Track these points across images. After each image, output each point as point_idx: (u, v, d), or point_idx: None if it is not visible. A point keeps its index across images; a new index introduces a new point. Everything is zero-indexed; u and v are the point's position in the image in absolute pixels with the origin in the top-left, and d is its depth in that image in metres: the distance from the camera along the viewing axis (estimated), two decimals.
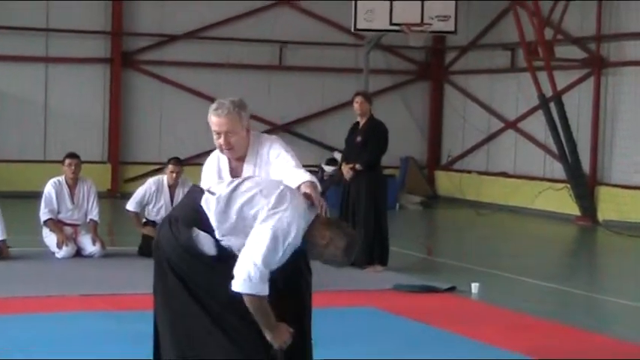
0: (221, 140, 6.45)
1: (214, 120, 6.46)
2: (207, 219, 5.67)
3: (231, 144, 6.45)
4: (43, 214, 13.33)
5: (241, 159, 6.57)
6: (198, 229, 5.68)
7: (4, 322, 9.38)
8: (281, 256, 5.53)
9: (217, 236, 5.69)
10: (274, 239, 5.48)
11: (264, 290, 5.49)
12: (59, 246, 13.16)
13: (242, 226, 5.63)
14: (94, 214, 13.58)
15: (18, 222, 14.45)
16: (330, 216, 5.89)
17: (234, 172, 6.55)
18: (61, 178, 13.56)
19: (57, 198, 13.40)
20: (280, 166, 6.37)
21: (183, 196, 6.16)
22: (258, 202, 5.63)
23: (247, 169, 6.52)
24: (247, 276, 5.45)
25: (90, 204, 13.61)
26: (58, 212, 13.41)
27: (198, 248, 5.70)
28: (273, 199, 5.61)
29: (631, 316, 11.04)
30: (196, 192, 5.92)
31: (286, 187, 5.80)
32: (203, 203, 5.72)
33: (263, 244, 5.48)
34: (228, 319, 5.64)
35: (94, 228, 13.52)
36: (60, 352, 8.17)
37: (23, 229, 14.35)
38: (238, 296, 5.50)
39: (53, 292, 10.91)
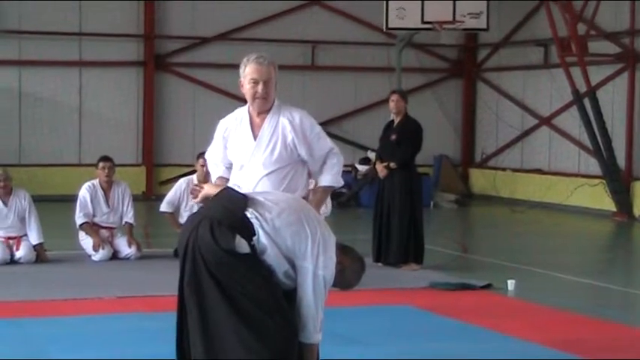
0: (259, 87, 6.73)
1: (254, 68, 6.77)
2: (252, 230, 5.70)
3: (268, 92, 6.75)
4: (79, 218, 13.41)
5: (264, 114, 6.83)
6: (241, 236, 5.70)
7: (42, 324, 9.46)
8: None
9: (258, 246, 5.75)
10: (325, 287, 5.75)
11: (320, 336, 5.81)
12: (95, 249, 13.24)
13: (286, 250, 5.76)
14: (129, 217, 13.65)
15: (54, 226, 14.55)
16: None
17: (256, 127, 6.84)
18: (96, 182, 13.63)
19: (92, 202, 13.48)
20: (320, 152, 6.87)
21: (219, 195, 6.08)
22: (304, 243, 5.71)
23: (269, 125, 6.81)
24: (315, 327, 5.74)
25: (125, 207, 13.68)
26: (94, 216, 13.49)
27: (238, 253, 5.71)
28: (317, 246, 5.72)
29: None
30: (237, 198, 5.93)
31: (323, 224, 5.89)
32: (250, 216, 5.73)
33: (320, 296, 5.74)
34: (261, 319, 5.65)
35: (129, 230, 13.59)
36: (97, 353, 8.25)
37: (60, 232, 14.46)
38: (273, 298, 5.66)
39: (90, 294, 10.97)
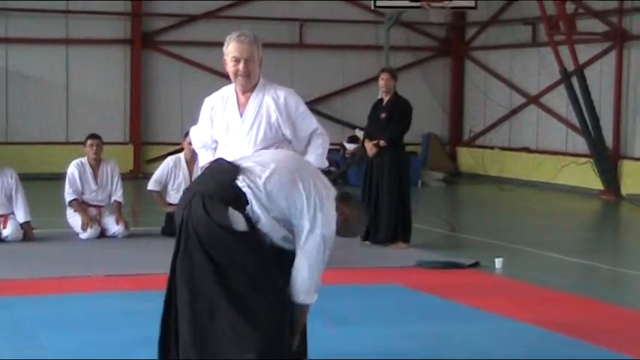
0: (240, 66, 6.72)
1: (236, 46, 6.76)
2: (244, 200, 5.72)
3: (249, 70, 6.73)
4: (68, 195, 13.37)
5: (248, 92, 6.82)
6: (234, 208, 5.70)
7: (29, 302, 9.43)
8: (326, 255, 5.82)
9: (252, 216, 5.76)
10: (324, 244, 5.75)
11: (315, 297, 5.85)
12: (84, 228, 13.21)
13: (281, 214, 5.78)
14: (117, 195, 13.62)
15: (41, 204, 14.52)
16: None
17: (242, 105, 6.82)
18: (84, 160, 13.59)
19: (80, 179, 13.44)
20: (304, 132, 6.84)
21: (209, 168, 6.13)
22: (299, 202, 5.73)
23: (253, 103, 6.80)
24: (309, 289, 5.76)
25: (114, 185, 13.65)
26: (82, 193, 13.46)
27: (232, 226, 5.71)
28: (312, 203, 5.74)
29: None
30: (226, 168, 5.94)
31: (318, 179, 5.93)
32: (241, 184, 5.76)
33: (318, 256, 5.74)
34: (253, 299, 5.65)
35: (118, 209, 13.56)
36: (84, 332, 8.23)
37: (47, 210, 14.42)
38: (267, 275, 5.68)
39: (77, 272, 10.98)
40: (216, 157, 6.97)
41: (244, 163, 5.90)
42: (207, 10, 23.20)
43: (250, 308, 5.60)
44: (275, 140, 6.66)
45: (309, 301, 5.82)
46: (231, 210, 5.69)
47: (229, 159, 6.75)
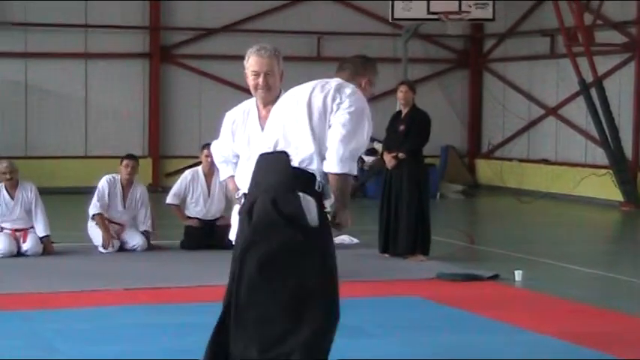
0: (260, 79, 6.84)
1: (256, 60, 6.87)
2: (308, 176, 5.76)
3: (269, 85, 6.85)
4: (93, 207, 13.30)
5: (269, 105, 6.78)
6: (304, 191, 5.73)
7: (50, 316, 9.45)
8: (368, 130, 5.90)
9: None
10: (356, 115, 5.82)
11: (354, 169, 5.83)
12: (104, 245, 13.19)
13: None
14: (147, 225, 13.61)
15: (61, 217, 14.55)
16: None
17: (263, 119, 6.86)
18: (117, 176, 13.60)
19: (109, 195, 13.46)
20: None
21: (261, 168, 5.97)
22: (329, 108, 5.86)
23: None
24: (338, 156, 5.73)
25: (141, 213, 13.61)
26: (108, 207, 13.46)
27: (303, 217, 5.72)
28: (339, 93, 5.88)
29: None
30: (277, 159, 5.86)
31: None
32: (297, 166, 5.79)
33: (347, 125, 5.77)
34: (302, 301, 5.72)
35: (146, 238, 13.56)
36: (105, 347, 8.25)
37: (66, 224, 14.47)
38: (321, 283, 5.75)
39: (97, 286, 10.98)
40: (238, 171, 7.03)
41: (282, 145, 5.87)
42: (226, 23, 23.26)
43: (298, 310, 5.70)
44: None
45: (345, 169, 5.77)
46: (302, 195, 5.71)
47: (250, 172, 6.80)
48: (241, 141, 6.98)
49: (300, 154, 5.77)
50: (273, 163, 5.82)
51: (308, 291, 5.69)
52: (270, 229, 5.71)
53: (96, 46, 22.60)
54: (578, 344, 8.47)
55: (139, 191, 13.69)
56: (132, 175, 13.58)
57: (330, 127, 5.78)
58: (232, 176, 7.25)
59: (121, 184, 13.54)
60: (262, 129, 6.79)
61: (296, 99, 5.94)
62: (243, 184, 6.88)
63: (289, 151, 5.79)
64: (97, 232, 13.36)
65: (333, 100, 5.80)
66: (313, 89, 5.91)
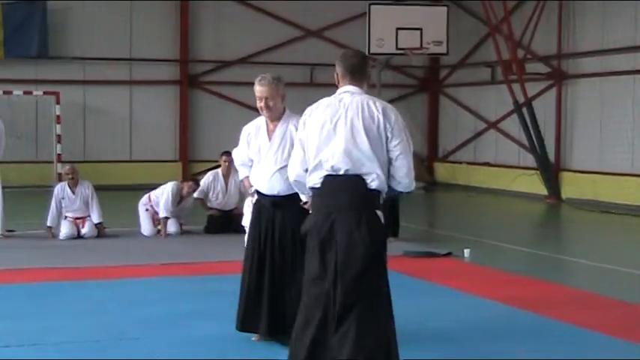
0: (262, 103, 6.82)
1: (258, 88, 6.86)
2: (378, 191, 5.30)
3: (270, 107, 6.82)
4: (165, 211, 13.18)
5: (276, 121, 6.89)
6: (378, 208, 5.33)
7: (103, 285, 9.47)
8: None
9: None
10: (406, 139, 5.42)
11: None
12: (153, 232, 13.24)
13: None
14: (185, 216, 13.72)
15: (111, 208, 14.51)
16: None
17: (270, 132, 6.91)
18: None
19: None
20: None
21: (330, 190, 5.28)
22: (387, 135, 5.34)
23: (280, 130, 6.87)
24: (411, 179, 5.38)
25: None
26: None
27: (383, 232, 5.39)
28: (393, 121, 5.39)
29: (587, 271, 11.03)
30: (353, 180, 5.27)
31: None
32: (372, 183, 5.26)
33: (407, 151, 5.36)
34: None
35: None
36: (146, 309, 8.26)
37: (115, 213, 14.42)
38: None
39: (140, 261, 11.00)
40: (252, 173, 7.03)
41: (349, 170, 5.25)
42: (240, 56, 23.22)
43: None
44: None
45: (410, 189, 5.43)
46: (378, 213, 5.29)
47: (261, 174, 6.82)
48: (253, 149, 6.96)
49: (370, 178, 5.21)
50: (351, 186, 5.23)
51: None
52: (357, 247, 5.17)
53: (138, 75, 22.57)
54: (512, 306, 8.50)
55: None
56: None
57: (389, 151, 5.28)
58: (248, 176, 7.21)
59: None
60: (269, 140, 6.86)
61: (344, 122, 5.29)
62: (256, 182, 7.01)
63: (361, 173, 5.22)
64: (146, 222, 13.35)
65: (385, 128, 5.28)
66: (361, 116, 5.30)
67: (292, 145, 6.63)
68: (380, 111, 5.34)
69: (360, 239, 5.17)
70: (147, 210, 13.43)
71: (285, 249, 6.79)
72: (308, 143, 5.40)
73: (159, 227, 13.26)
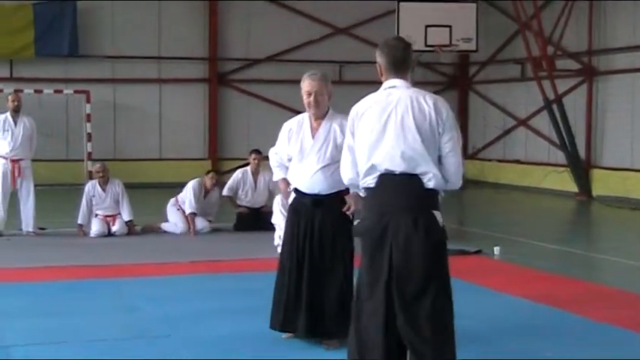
0: (311, 99, 6.71)
1: (308, 82, 6.76)
2: (436, 191, 5.07)
3: (318, 103, 6.72)
4: (190, 207, 13.30)
5: (320, 119, 6.79)
6: (436, 208, 5.07)
7: (133, 282, 9.51)
8: None
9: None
10: (457, 135, 5.10)
11: None
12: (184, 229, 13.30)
13: None
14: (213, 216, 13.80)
15: (141, 206, 14.58)
16: None
17: (314, 130, 6.79)
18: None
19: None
20: None
21: (387, 191, 5.01)
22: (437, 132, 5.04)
23: (324, 128, 6.78)
24: (459, 178, 5.16)
25: (215, 207, 13.84)
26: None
27: (444, 234, 5.10)
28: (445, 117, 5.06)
29: (617, 268, 10.96)
30: (411, 180, 5.00)
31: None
32: (429, 183, 5.00)
33: (458, 149, 5.08)
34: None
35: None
36: (175, 305, 8.29)
37: (146, 211, 14.49)
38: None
39: (170, 259, 11.04)
40: (291, 169, 6.90)
41: (406, 169, 4.98)
42: (268, 54, 23.25)
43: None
44: (338, 158, 6.63)
45: (460, 185, 5.18)
46: (436, 213, 5.01)
47: (302, 172, 6.68)
48: (295, 146, 6.82)
49: (426, 177, 4.95)
50: (407, 186, 4.96)
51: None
52: (413, 250, 4.91)
53: (167, 73, 22.66)
54: (543, 303, 8.46)
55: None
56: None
57: (440, 147, 5.01)
58: (284, 178, 7.07)
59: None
60: (313, 137, 6.77)
61: (395, 120, 5.03)
62: (295, 180, 6.88)
63: (418, 173, 4.96)
64: (174, 218, 13.40)
65: (437, 124, 4.99)
66: (412, 112, 5.03)
67: (335, 145, 6.62)
68: (431, 106, 5.05)
69: (417, 243, 4.91)
70: (178, 209, 13.49)
71: (325, 248, 6.71)
72: (358, 146, 5.12)
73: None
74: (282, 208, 10.45)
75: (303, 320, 6.69)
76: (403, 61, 5.26)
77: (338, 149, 6.53)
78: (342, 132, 6.59)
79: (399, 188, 4.97)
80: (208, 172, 13.95)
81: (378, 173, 5.02)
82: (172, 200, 13.62)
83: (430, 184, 5.00)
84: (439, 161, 5.05)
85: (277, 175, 7.13)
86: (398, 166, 4.97)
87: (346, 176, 5.29)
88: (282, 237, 7.13)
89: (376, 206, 5.02)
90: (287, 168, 7.03)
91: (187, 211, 13.28)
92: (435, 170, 5.00)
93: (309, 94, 6.73)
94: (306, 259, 6.71)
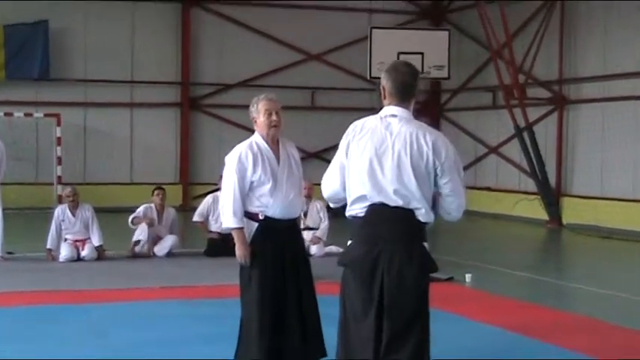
0: (274, 117, 6.50)
1: (269, 104, 6.56)
2: (424, 225, 5.04)
3: (280, 122, 6.54)
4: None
5: (276, 143, 6.57)
6: (424, 239, 5.08)
7: (103, 308, 9.44)
8: None
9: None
10: (458, 176, 5.10)
11: None
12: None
13: None
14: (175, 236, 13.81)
15: (111, 231, 14.47)
16: None
17: (276, 153, 6.53)
18: (152, 205, 13.75)
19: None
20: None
21: (379, 221, 4.94)
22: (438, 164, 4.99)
23: (283, 151, 6.55)
24: (459, 214, 5.21)
25: (173, 229, 13.91)
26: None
27: (433, 266, 5.15)
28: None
29: (588, 297, 11.00)
30: (405, 214, 4.95)
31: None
32: (421, 217, 4.98)
33: (459, 189, 5.09)
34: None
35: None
36: (146, 331, 8.23)
37: (116, 236, 14.38)
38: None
39: (140, 284, 10.98)
40: (257, 200, 6.50)
41: (403, 204, 4.89)
42: (240, 80, 23.28)
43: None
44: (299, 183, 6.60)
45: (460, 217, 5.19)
46: (426, 245, 5.01)
47: (276, 198, 6.42)
48: (265, 172, 6.47)
49: (418, 212, 4.90)
50: (400, 219, 4.88)
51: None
52: (406, 282, 4.88)
53: (139, 97, 22.62)
54: (514, 332, 8.47)
55: (171, 213, 13.76)
56: (163, 202, 13.66)
57: (439, 187, 5.00)
58: (240, 229, 6.48)
59: (156, 209, 13.62)
60: (278, 162, 6.50)
61: (391, 156, 4.90)
62: (267, 207, 6.46)
63: (412, 207, 4.90)
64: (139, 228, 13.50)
65: (434, 166, 4.92)
66: (409, 151, 4.90)
67: (297, 169, 6.57)
68: (430, 146, 4.91)
69: (411, 275, 4.87)
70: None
71: (302, 270, 6.58)
72: (350, 171, 4.99)
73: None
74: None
75: (293, 349, 6.45)
76: (410, 89, 5.05)
77: (299, 170, 6.59)
78: (296, 157, 6.60)
79: (391, 220, 4.87)
80: (153, 191, 13.87)
81: (369, 203, 4.91)
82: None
83: (421, 218, 4.96)
84: (441, 196, 5.04)
85: (232, 223, 6.47)
86: (392, 201, 4.88)
87: (330, 189, 5.14)
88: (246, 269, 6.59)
89: (366, 236, 4.90)
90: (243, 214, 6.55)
91: (141, 237, 13.45)
92: (427, 206, 4.96)
93: (271, 114, 6.55)
94: (287, 285, 6.49)
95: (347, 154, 5.04)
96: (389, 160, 4.88)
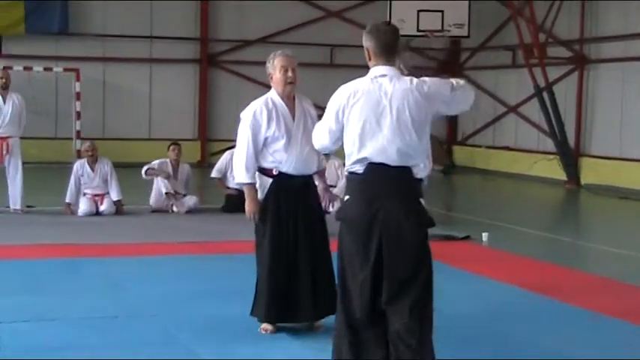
0: (290, 73, 6.54)
1: (286, 60, 6.60)
2: (420, 181, 5.13)
3: (296, 78, 6.59)
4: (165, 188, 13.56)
5: (291, 98, 6.62)
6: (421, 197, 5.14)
7: (120, 262, 9.51)
8: None
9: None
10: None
11: None
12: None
13: None
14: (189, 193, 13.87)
15: (130, 186, 14.50)
16: None
17: (291, 110, 6.59)
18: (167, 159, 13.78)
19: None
20: None
21: (376, 180, 4.95)
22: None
23: (299, 108, 6.61)
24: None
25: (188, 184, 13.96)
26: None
27: (431, 222, 5.21)
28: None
29: (606, 257, 10.99)
30: (403, 172, 5.02)
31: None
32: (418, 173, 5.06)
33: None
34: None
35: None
36: (161, 285, 8.29)
37: (134, 191, 14.44)
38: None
39: (157, 239, 11.04)
40: (270, 155, 6.58)
41: (402, 162, 4.96)
42: (259, 36, 23.21)
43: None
44: None
45: None
46: (422, 201, 5.08)
47: (289, 153, 6.48)
48: (278, 128, 6.53)
49: (417, 168, 5.01)
50: (399, 177, 4.95)
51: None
52: (405, 238, 4.95)
53: (158, 53, 22.59)
54: (529, 290, 8.49)
55: (186, 169, 13.81)
56: (178, 157, 13.68)
57: (439, 106, 5.18)
58: (251, 185, 6.58)
59: (172, 164, 13.67)
60: (293, 118, 6.58)
61: (390, 116, 4.95)
62: (281, 163, 6.55)
63: (410, 165, 4.98)
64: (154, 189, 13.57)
65: (428, 105, 5.06)
66: (407, 107, 4.97)
67: (312, 124, 6.49)
68: (423, 93, 5.05)
69: (409, 231, 4.94)
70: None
71: (316, 226, 6.62)
72: (348, 135, 5.01)
73: (170, 203, 13.42)
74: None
75: (307, 307, 6.52)
76: (393, 46, 5.14)
77: (314, 126, 6.53)
78: (312, 113, 6.62)
79: (390, 178, 4.93)
80: (169, 147, 13.93)
81: (368, 162, 4.95)
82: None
83: (419, 175, 5.04)
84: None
85: (244, 178, 6.56)
86: (392, 161, 4.93)
87: (321, 143, 5.25)
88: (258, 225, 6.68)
89: (364, 192, 4.95)
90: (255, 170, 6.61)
91: (163, 192, 13.46)
92: (425, 161, 5.05)
93: (287, 70, 6.55)
94: (299, 240, 6.55)
95: (340, 119, 5.08)
96: (388, 120, 4.94)
